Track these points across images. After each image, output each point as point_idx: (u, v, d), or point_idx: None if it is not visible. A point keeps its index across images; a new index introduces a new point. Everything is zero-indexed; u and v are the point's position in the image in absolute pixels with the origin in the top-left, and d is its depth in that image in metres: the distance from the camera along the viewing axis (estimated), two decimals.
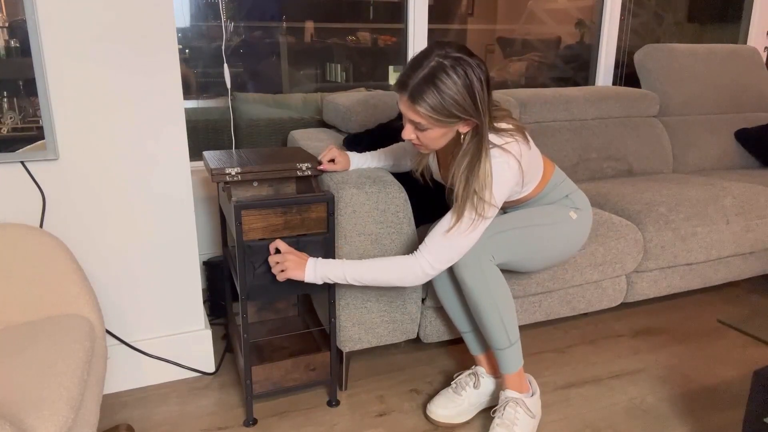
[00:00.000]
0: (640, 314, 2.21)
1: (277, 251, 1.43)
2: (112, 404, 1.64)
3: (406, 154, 1.71)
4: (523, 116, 2.36)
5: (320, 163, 1.55)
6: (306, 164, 1.52)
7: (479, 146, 1.30)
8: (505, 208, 1.62)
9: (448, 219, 1.34)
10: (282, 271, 1.40)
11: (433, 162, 1.56)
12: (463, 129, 1.31)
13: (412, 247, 1.58)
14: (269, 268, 1.44)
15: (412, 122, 1.30)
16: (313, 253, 1.47)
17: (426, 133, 1.31)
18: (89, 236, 1.56)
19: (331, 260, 1.41)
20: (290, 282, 1.46)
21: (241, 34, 2.32)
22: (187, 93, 2.28)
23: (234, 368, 1.83)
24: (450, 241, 1.33)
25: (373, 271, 1.36)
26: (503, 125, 1.34)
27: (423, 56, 1.25)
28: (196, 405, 1.64)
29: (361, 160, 1.64)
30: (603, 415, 1.61)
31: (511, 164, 1.32)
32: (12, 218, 1.48)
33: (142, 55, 1.49)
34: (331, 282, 1.41)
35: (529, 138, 1.38)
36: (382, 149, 1.70)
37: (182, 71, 2.24)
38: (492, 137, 1.32)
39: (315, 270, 1.39)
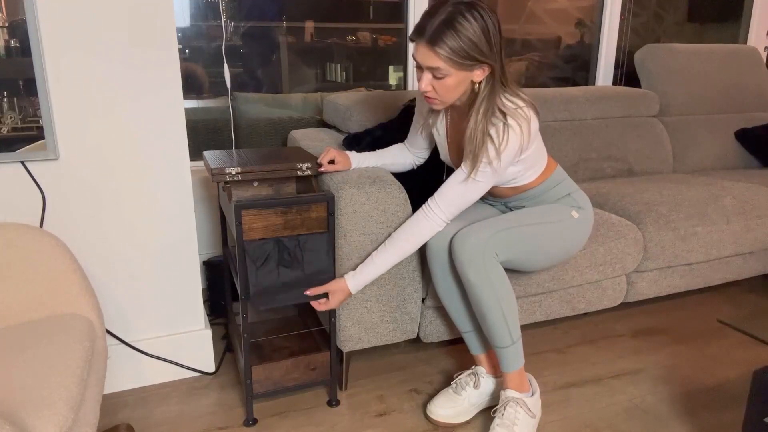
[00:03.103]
0: (640, 314, 2.21)
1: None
2: (112, 404, 1.64)
3: (406, 154, 1.71)
4: None
5: (320, 165, 1.55)
6: (306, 164, 1.52)
7: (493, 92, 1.35)
8: (509, 203, 1.62)
9: (463, 170, 1.40)
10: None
11: (442, 140, 1.57)
12: (478, 77, 1.34)
13: None
14: (272, 268, 1.45)
15: (430, 69, 1.31)
16: (314, 254, 1.47)
17: (443, 82, 1.32)
18: (89, 236, 1.56)
19: (361, 269, 1.46)
20: (295, 289, 1.47)
21: (241, 34, 2.31)
22: (199, 90, 2.28)
23: (234, 368, 1.83)
24: (465, 191, 1.41)
25: (399, 250, 1.45)
26: (516, 91, 1.40)
27: (438, 4, 1.29)
28: (196, 405, 1.64)
29: (361, 159, 1.64)
30: (603, 415, 1.61)
31: (521, 125, 1.36)
32: (12, 218, 1.48)
33: (142, 54, 1.49)
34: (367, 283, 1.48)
35: (537, 111, 1.42)
36: (381, 150, 1.71)
37: (191, 67, 2.24)
38: (506, 99, 1.37)
39: (356, 287, 1.47)
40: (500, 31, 1.31)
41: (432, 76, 1.32)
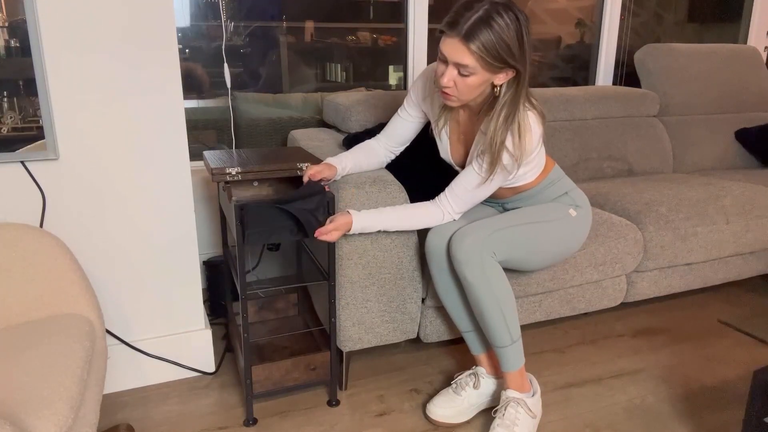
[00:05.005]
0: (640, 314, 2.21)
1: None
2: (112, 404, 1.64)
3: (377, 153, 1.65)
4: None
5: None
6: (306, 164, 1.52)
7: (516, 98, 1.33)
8: (506, 203, 1.62)
9: (477, 173, 1.41)
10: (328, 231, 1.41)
11: (444, 138, 1.55)
12: (500, 80, 1.32)
13: (413, 247, 1.58)
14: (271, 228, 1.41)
15: (457, 65, 1.29)
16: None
17: (467, 80, 1.30)
18: (89, 236, 1.56)
19: (366, 213, 1.43)
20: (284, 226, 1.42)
21: (241, 34, 2.31)
22: (199, 90, 2.28)
23: (234, 368, 1.82)
24: (477, 191, 1.44)
25: (403, 219, 1.46)
26: (530, 98, 1.39)
27: (474, 0, 1.25)
28: (196, 405, 1.64)
29: (342, 165, 1.55)
30: (603, 415, 1.61)
31: (538, 127, 1.37)
32: (12, 218, 1.48)
33: (142, 55, 1.49)
34: (365, 232, 1.46)
35: (545, 117, 1.43)
36: (350, 151, 1.63)
37: (191, 67, 2.24)
38: (522, 105, 1.36)
39: (358, 226, 1.42)
40: (530, 36, 1.30)
41: (457, 72, 1.30)
